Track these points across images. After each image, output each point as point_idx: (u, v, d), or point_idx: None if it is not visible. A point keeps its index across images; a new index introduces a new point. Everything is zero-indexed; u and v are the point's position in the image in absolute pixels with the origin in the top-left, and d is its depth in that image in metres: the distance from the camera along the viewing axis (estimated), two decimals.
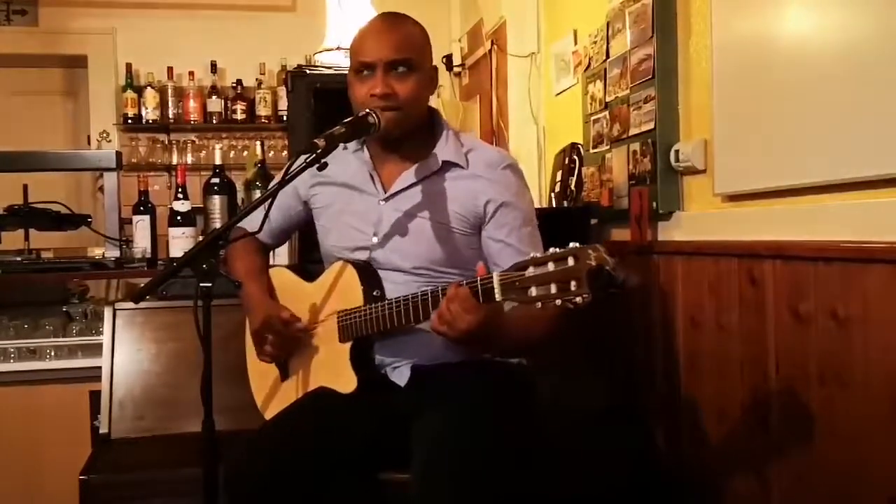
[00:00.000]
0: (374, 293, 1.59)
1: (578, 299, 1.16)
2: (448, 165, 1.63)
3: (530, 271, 1.21)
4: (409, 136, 1.62)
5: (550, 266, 1.19)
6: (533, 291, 1.21)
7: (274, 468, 1.48)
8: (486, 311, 1.33)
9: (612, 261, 1.15)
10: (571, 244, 1.18)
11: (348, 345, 1.60)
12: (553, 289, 1.18)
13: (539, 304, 1.21)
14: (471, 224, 1.62)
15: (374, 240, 1.64)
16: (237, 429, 1.70)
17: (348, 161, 1.69)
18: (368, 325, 1.55)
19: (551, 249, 1.20)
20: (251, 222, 1.48)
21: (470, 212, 1.61)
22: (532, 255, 1.23)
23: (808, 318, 1.64)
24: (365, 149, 1.68)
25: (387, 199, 1.65)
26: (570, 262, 1.16)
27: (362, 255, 1.65)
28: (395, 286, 1.59)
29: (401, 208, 1.63)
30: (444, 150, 1.63)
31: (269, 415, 1.79)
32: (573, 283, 1.15)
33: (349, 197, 1.69)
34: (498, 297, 1.28)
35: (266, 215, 1.45)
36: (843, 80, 1.55)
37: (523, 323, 1.48)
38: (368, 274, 1.62)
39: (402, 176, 1.64)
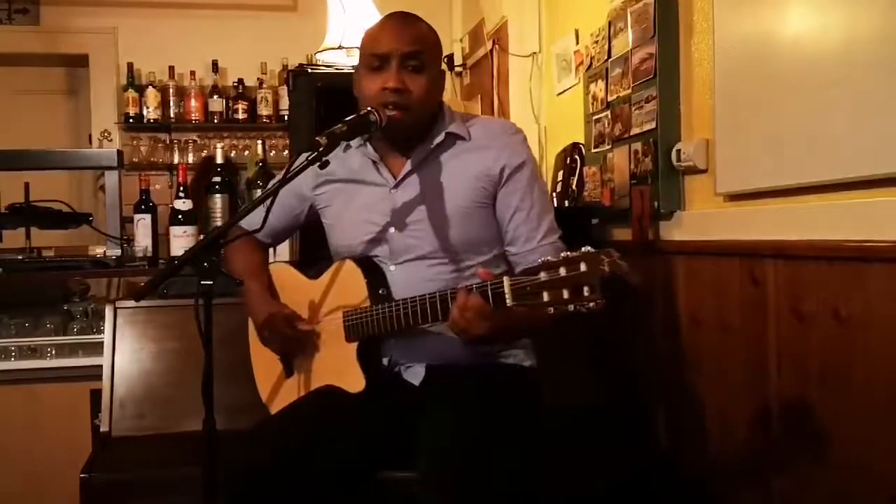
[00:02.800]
0: (380, 291, 1.58)
1: (592, 304, 1.15)
2: (452, 138, 1.62)
3: (542, 276, 1.20)
4: (416, 130, 1.62)
5: (562, 271, 1.17)
6: (545, 296, 1.20)
7: (275, 466, 1.48)
8: (499, 315, 1.33)
9: (626, 266, 1.14)
10: (584, 248, 1.17)
11: (355, 344, 1.59)
12: (565, 294, 1.17)
13: (551, 310, 1.20)
14: (487, 194, 1.61)
15: (392, 230, 1.62)
16: (238, 427, 1.70)
17: (351, 157, 1.68)
18: (376, 325, 1.54)
19: (563, 254, 1.19)
20: (251, 221, 1.48)
21: (484, 181, 1.60)
22: (543, 253, 1.20)
23: (810, 318, 1.64)
24: (368, 144, 1.67)
25: (397, 186, 1.63)
26: (583, 267, 1.15)
27: (379, 247, 1.63)
28: (418, 273, 1.58)
29: (413, 193, 1.61)
30: (445, 126, 1.63)
31: (274, 411, 1.79)
32: (586, 290, 1.15)
33: (356, 191, 1.68)
34: (509, 302, 1.27)
35: (267, 213, 1.44)
36: (844, 80, 1.55)
37: (532, 314, 1.47)
38: (372, 271, 1.61)
39: (409, 160, 1.63)
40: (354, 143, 1.66)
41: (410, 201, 1.61)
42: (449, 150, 1.62)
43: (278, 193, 1.46)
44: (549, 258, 1.21)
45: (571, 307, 1.17)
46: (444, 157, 1.62)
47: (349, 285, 1.62)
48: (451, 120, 1.64)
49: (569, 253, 1.18)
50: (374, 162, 1.65)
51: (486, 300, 1.31)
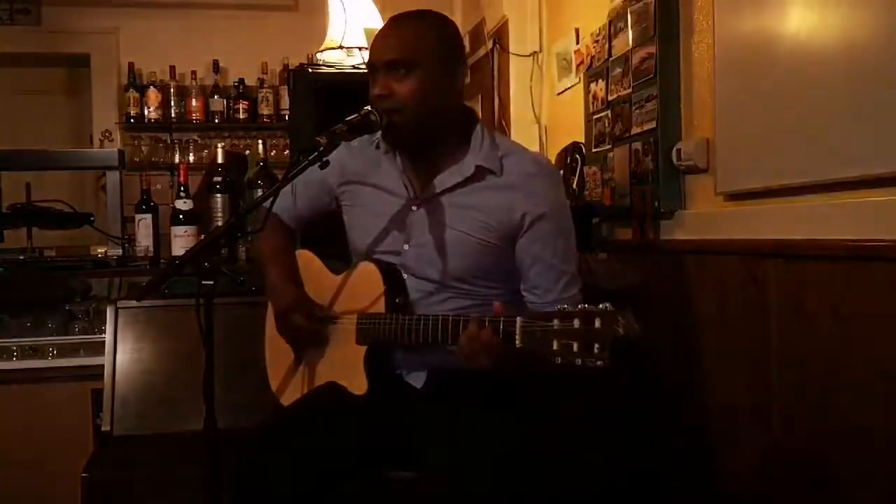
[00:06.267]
0: (397, 300, 1.57)
1: (599, 363, 1.15)
2: (482, 172, 1.57)
3: (555, 324, 1.20)
4: (440, 140, 1.59)
5: (576, 323, 1.18)
6: (554, 345, 1.20)
7: (278, 465, 1.48)
8: (506, 352, 1.33)
9: (639, 329, 1.14)
10: (601, 305, 1.17)
11: (364, 348, 1.59)
12: (575, 347, 1.17)
13: (559, 360, 1.20)
14: (505, 236, 1.57)
15: (406, 247, 1.61)
16: (239, 427, 1.70)
17: (381, 164, 1.66)
18: (387, 334, 1.54)
19: (580, 305, 1.19)
20: (281, 206, 1.49)
21: (505, 224, 1.56)
22: (560, 297, 1.27)
23: (811, 317, 1.64)
24: (398, 155, 1.64)
25: (419, 206, 1.61)
26: (598, 324, 1.15)
27: (392, 260, 1.63)
28: (425, 296, 1.58)
29: (434, 216, 1.59)
30: (477, 154, 1.58)
31: (283, 401, 1.78)
32: (596, 347, 1.15)
33: (381, 199, 1.66)
34: (518, 343, 1.27)
35: (269, 210, 1.45)
36: (845, 79, 1.55)
37: (537, 360, 1.40)
38: (393, 280, 1.60)
39: (436, 181, 1.60)
40: (384, 149, 1.65)
41: (428, 222, 1.59)
42: (477, 182, 1.58)
43: (279, 192, 1.46)
44: (566, 307, 1.21)
45: (579, 361, 1.17)
46: (471, 188, 1.58)
47: (369, 289, 1.61)
48: (482, 147, 1.59)
49: (586, 305, 1.18)
50: (401, 174, 1.63)
51: (497, 336, 1.31)
